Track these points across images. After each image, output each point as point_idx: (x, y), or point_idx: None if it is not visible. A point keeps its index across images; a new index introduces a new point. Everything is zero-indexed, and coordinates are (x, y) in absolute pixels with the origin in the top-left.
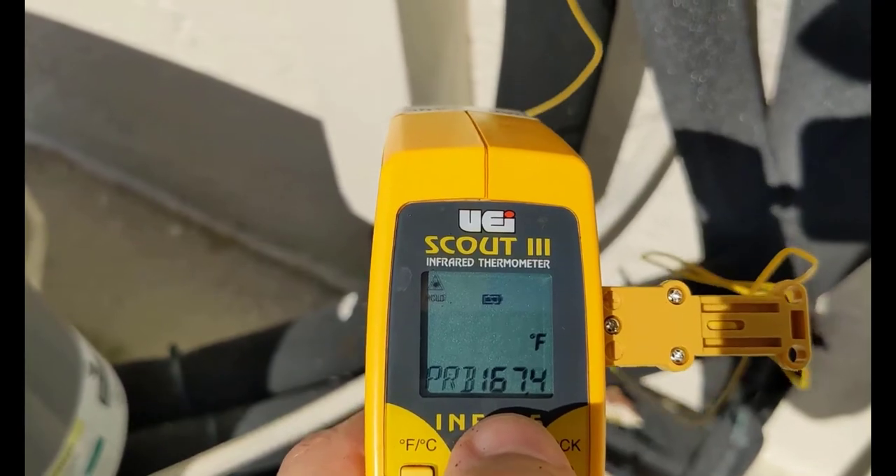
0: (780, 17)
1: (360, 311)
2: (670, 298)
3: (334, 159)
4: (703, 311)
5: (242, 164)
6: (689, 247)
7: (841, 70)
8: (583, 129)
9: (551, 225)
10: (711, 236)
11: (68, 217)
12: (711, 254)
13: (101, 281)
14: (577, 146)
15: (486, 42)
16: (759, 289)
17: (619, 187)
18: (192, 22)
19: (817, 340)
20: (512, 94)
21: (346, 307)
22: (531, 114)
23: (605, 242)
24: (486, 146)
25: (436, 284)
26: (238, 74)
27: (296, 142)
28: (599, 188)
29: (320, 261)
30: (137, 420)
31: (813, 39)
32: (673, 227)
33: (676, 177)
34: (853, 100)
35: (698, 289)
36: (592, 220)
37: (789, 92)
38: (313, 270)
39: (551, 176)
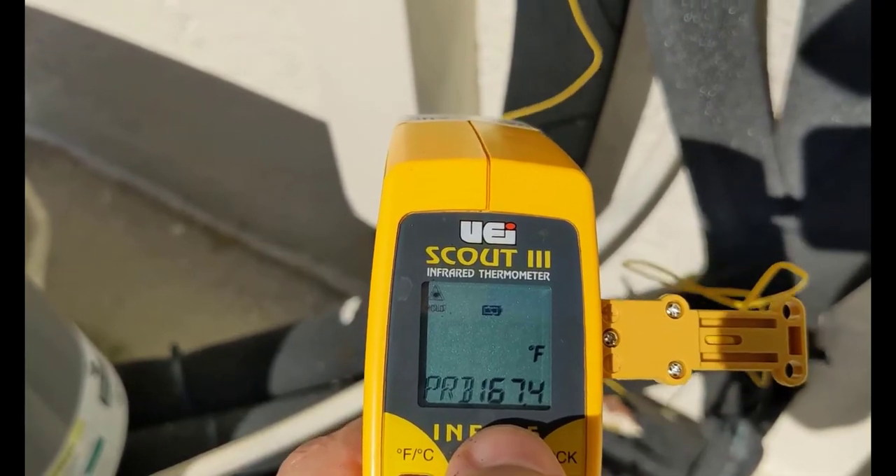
0: (789, 32)
1: (363, 316)
2: (669, 312)
3: (338, 161)
4: (701, 325)
5: (246, 164)
6: (694, 257)
7: (850, 85)
8: (590, 138)
9: (552, 237)
10: (717, 248)
11: (71, 214)
12: (717, 265)
13: (102, 279)
14: (584, 155)
15: (494, 48)
16: (755, 300)
17: (625, 196)
18: (198, 22)
19: (819, 354)
20: (519, 100)
21: (348, 311)
22: (529, 112)
23: (609, 251)
24: (488, 158)
25: (436, 294)
26: (243, 75)
27: (299, 143)
28: (605, 197)
29: (322, 261)
30: (138, 420)
31: (822, 55)
32: (678, 237)
33: (682, 187)
34: (862, 115)
35: (697, 303)
36: (593, 233)
37: (798, 107)
38: (315, 271)
39: (553, 188)
